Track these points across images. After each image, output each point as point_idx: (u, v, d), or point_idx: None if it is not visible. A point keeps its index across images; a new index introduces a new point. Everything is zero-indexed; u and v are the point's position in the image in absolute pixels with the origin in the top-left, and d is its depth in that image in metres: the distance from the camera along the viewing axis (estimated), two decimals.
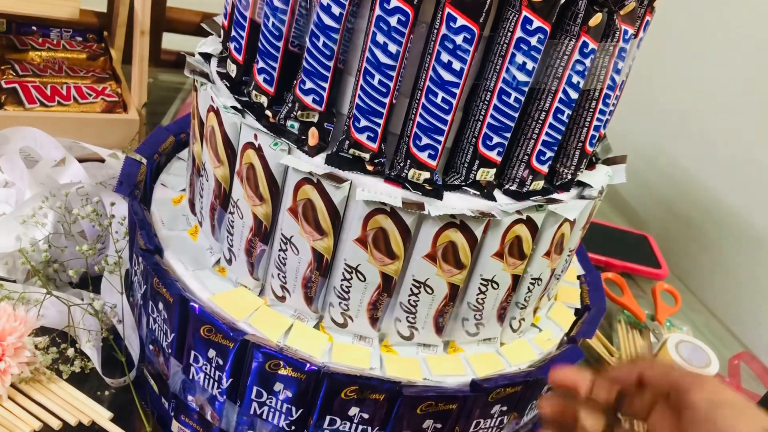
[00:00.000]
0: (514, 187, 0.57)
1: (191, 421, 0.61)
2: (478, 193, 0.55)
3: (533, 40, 0.50)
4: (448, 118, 0.51)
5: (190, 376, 0.59)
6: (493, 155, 0.54)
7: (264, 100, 0.56)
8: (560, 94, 0.53)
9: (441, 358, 0.61)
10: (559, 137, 0.56)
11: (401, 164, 0.53)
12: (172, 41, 1.26)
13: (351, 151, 0.53)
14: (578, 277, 0.78)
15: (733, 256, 1.21)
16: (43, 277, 0.69)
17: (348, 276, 0.56)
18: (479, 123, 0.53)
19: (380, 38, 0.48)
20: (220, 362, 0.56)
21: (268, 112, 0.56)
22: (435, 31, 0.48)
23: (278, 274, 0.58)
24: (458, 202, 0.54)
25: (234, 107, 0.56)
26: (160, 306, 0.58)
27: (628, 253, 1.14)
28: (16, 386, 0.62)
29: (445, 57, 0.49)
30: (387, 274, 0.56)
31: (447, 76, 0.49)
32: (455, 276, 0.57)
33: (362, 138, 0.52)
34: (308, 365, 0.54)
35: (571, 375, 0.49)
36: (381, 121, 0.51)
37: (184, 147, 0.77)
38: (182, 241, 0.64)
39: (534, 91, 0.54)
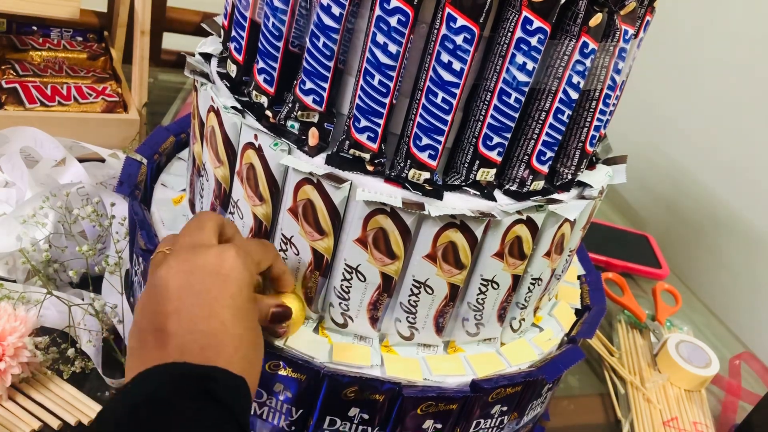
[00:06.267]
0: (514, 187, 0.57)
1: None
2: (478, 193, 0.55)
3: (533, 41, 0.50)
4: (449, 118, 0.51)
5: None
6: (493, 155, 0.54)
7: (264, 100, 0.56)
8: (560, 95, 0.53)
9: (441, 358, 0.61)
10: (560, 137, 0.56)
11: (401, 164, 0.53)
12: (172, 41, 1.25)
13: (351, 151, 0.53)
14: (578, 277, 0.78)
15: (734, 256, 1.21)
16: (44, 277, 0.69)
17: (348, 276, 0.56)
18: (479, 123, 0.53)
19: (380, 38, 0.48)
20: None
21: (268, 113, 0.56)
22: (435, 31, 0.48)
23: None
24: (458, 203, 0.54)
25: (234, 107, 0.56)
26: None
27: (628, 253, 1.13)
28: (16, 386, 0.62)
29: (445, 57, 0.49)
30: (387, 274, 0.56)
31: (447, 77, 0.49)
32: (455, 276, 0.57)
33: (362, 138, 0.52)
34: (308, 365, 0.54)
35: None
36: (381, 122, 0.51)
37: (184, 147, 0.77)
38: None
39: (534, 91, 0.54)
